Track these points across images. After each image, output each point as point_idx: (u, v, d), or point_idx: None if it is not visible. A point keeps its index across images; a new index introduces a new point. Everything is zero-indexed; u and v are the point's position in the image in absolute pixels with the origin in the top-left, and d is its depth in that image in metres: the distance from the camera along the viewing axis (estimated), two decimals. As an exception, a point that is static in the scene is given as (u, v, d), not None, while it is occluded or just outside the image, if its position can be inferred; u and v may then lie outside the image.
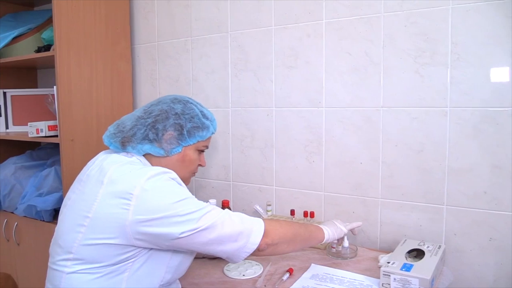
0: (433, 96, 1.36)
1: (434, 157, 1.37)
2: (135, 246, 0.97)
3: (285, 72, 1.63)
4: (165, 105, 1.14)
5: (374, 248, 1.49)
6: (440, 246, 1.30)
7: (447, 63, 1.33)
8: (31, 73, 2.45)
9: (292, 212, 1.57)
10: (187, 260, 1.10)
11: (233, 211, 1.67)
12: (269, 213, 1.64)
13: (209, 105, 1.83)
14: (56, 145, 1.98)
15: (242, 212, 1.73)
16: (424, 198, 1.41)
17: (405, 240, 1.36)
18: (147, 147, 1.10)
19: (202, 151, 1.21)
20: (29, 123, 1.83)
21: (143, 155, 1.12)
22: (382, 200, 1.48)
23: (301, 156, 1.63)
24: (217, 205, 1.64)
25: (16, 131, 2.19)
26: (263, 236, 1.04)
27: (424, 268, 1.14)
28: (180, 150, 1.13)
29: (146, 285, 1.02)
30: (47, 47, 1.87)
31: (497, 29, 1.25)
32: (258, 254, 1.05)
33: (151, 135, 1.10)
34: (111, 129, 1.15)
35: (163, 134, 1.10)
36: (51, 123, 1.81)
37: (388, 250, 1.41)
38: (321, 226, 1.26)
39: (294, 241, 1.14)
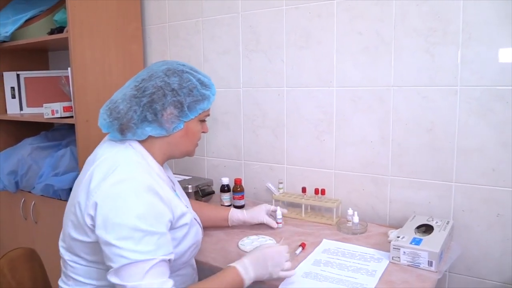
0: (444, 75, 1.38)
1: (443, 135, 1.40)
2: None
3: (296, 52, 1.65)
4: (158, 79, 1.03)
5: (384, 224, 1.53)
6: (448, 222, 1.34)
7: (458, 42, 1.34)
8: (43, 55, 2.48)
9: (304, 190, 1.61)
10: (186, 244, 1.07)
11: (245, 189, 1.74)
12: (281, 190, 1.68)
13: (220, 86, 1.86)
14: (70, 126, 2.03)
15: (254, 191, 1.80)
16: (433, 175, 1.44)
17: (414, 216, 1.40)
18: (148, 130, 1.03)
19: (204, 120, 1.14)
20: (44, 105, 1.87)
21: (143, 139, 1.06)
22: (391, 177, 1.51)
23: (312, 135, 1.66)
24: (229, 184, 1.70)
25: (30, 112, 2.24)
26: None
27: (433, 242, 1.18)
28: (182, 126, 1.06)
29: None
30: (60, 29, 1.89)
31: (508, 8, 1.26)
32: None
33: (149, 116, 1.02)
34: (104, 116, 1.05)
35: (162, 114, 1.02)
36: (66, 104, 1.84)
37: (397, 226, 1.45)
38: (242, 269, 1.02)
39: None
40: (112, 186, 0.92)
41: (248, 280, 1.02)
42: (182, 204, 1.07)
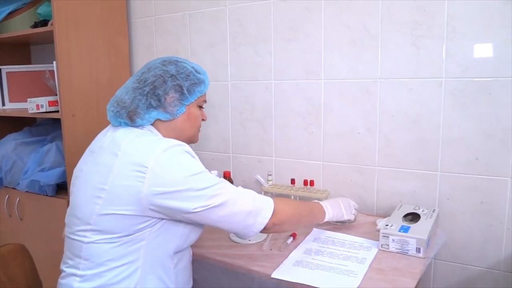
0: (429, 67, 1.41)
1: (429, 126, 1.44)
2: (151, 217, 1.01)
3: (284, 45, 1.66)
4: (157, 69, 1.14)
5: (371, 213, 1.56)
6: (434, 210, 1.38)
7: (443, 36, 1.37)
8: (25, 49, 2.43)
9: (293, 181, 1.63)
10: (199, 228, 1.15)
11: (234, 182, 1.75)
12: (270, 182, 1.70)
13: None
14: (55, 121, 2.00)
15: (242, 183, 1.82)
16: (419, 165, 1.47)
17: (401, 205, 1.43)
18: (154, 114, 1.11)
19: (202, 106, 1.23)
20: (28, 99, 1.84)
21: (153, 125, 1.13)
22: (378, 168, 1.55)
23: (300, 127, 1.68)
24: (218, 176, 1.71)
25: (13, 107, 2.19)
26: (271, 216, 1.07)
27: (421, 229, 1.22)
28: (184, 110, 1.15)
29: (162, 253, 1.06)
30: (44, 23, 1.86)
31: (492, 2, 1.30)
32: (263, 231, 1.09)
33: (153, 102, 1.10)
34: (111, 108, 1.13)
35: (165, 98, 1.11)
36: (51, 98, 1.82)
37: (385, 215, 1.49)
38: (324, 206, 1.29)
39: (298, 223, 1.21)
40: (163, 153, 1.00)
41: (328, 214, 1.28)
42: None
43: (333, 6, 1.54)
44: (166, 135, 1.13)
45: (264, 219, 1.06)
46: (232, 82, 1.81)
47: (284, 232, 1.23)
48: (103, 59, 1.91)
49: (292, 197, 1.60)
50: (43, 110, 1.81)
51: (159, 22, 1.97)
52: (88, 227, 1.02)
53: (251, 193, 1.09)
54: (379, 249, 1.23)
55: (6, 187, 2.01)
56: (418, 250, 1.17)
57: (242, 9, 1.73)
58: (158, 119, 1.13)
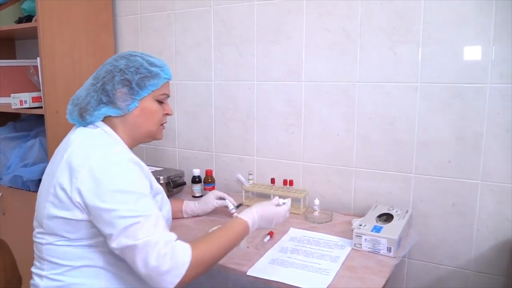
0: (405, 72, 1.45)
1: (404, 129, 1.48)
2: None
3: (267, 46, 1.69)
4: (108, 65, 1.11)
5: (348, 213, 1.60)
6: (407, 211, 1.42)
7: (419, 41, 1.41)
8: (9, 44, 2.43)
9: (273, 181, 1.67)
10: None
11: (216, 180, 1.78)
12: (251, 181, 1.73)
13: (192, 78, 1.88)
14: (39, 117, 2.00)
15: (224, 182, 1.84)
16: (394, 167, 1.52)
17: (376, 205, 1.47)
18: (103, 111, 1.08)
19: (162, 101, 1.15)
20: (12, 95, 1.84)
21: (106, 123, 1.10)
22: (356, 169, 1.59)
23: (281, 128, 1.71)
24: (200, 175, 1.74)
25: (-4, 102, 2.19)
26: (183, 276, 0.93)
27: (392, 230, 1.26)
28: (137, 105, 1.10)
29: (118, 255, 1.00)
30: (28, 18, 1.87)
31: (466, 10, 1.34)
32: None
33: (104, 98, 1.08)
34: (69, 106, 1.13)
35: (114, 94, 1.08)
36: (35, 94, 1.83)
37: (361, 215, 1.52)
38: (250, 220, 1.11)
39: (218, 259, 1.04)
40: (98, 161, 0.97)
41: (251, 231, 1.12)
42: (158, 184, 1.13)
43: (315, 10, 1.57)
44: (123, 132, 1.12)
45: (175, 278, 0.92)
46: (216, 82, 1.84)
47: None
48: (88, 56, 1.92)
49: (272, 196, 1.63)
50: (27, 106, 1.82)
51: (144, 21, 1.99)
52: (42, 230, 1.04)
53: (168, 246, 0.93)
54: (352, 248, 1.27)
55: (-11, 182, 2.02)
56: (389, 249, 1.21)
57: (226, 10, 1.76)
58: (111, 116, 1.10)
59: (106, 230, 0.94)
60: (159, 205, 1.10)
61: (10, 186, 1.91)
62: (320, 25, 1.57)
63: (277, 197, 1.23)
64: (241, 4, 1.72)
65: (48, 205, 1.01)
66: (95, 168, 0.96)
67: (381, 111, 1.51)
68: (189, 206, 1.52)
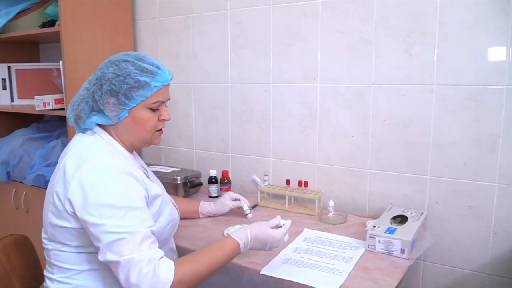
0: (421, 74, 1.45)
1: (419, 131, 1.48)
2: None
3: (282, 49, 1.71)
4: (99, 71, 1.08)
5: (363, 215, 1.61)
6: (422, 213, 1.42)
7: (435, 43, 1.41)
8: (34, 47, 2.51)
9: (288, 182, 1.68)
10: (162, 221, 1.12)
11: (232, 181, 1.80)
12: (266, 182, 1.74)
13: (209, 81, 1.92)
14: (61, 118, 2.07)
15: (240, 183, 1.87)
16: (409, 169, 1.51)
17: (391, 207, 1.48)
18: (95, 119, 1.07)
19: (156, 108, 1.11)
20: (35, 97, 1.90)
21: (104, 127, 1.10)
22: (371, 171, 1.59)
23: (296, 129, 1.73)
24: (217, 176, 1.77)
25: (21, 104, 2.27)
26: None
27: (406, 231, 1.26)
28: (126, 114, 1.07)
29: None
30: (51, 23, 1.93)
31: (482, 11, 1.33)
32: None
33: (95, 106, 1.07)
34: (68, 111, 1.13)
35: (102, 104, 1.06)
36: (57, 96, 1.89)
37: (376, 217, 1.52)
38: (240, 242, 1.08)
39: (203, 279, 1.02)
40: (88, 172, 0.98)
41: (242, 252, 1.08)
42: (156, 186, 1.13)
43: (329, 13, 1.59)
44: (117, 137, 1.11)
45: None
46: (232, 84, 1.86)
47: None
48: (108, 59, 1.97)
49: (287, 197, 1.65)
50: (50, 107, 1.88)
51: (162, 24, 2.03)
52: (47, 236, 1.07)
53: (149, 266, 0.93)
54: (365, 249, 1.27)
55: (14, 181, 2.09)
56: (402, 251, 1.21)
57: (242, 13, 1.78)
58: (101, 124, 1.09)
59: (95, 243, 0.96)
60: (157, 210, 1.10)
61: (33, 185, 1.98)
62: (335, 27, 1.58)
63: (278, 216, 1.17)
64: (257, 8, 1.74)
65: (49, 214, 1.04)
66: (84, 180, 0.96)
67: (396, 113, 1.51)
68: (205, 207, 1.54)
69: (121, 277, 0.93)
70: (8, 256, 1.16)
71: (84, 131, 1.11)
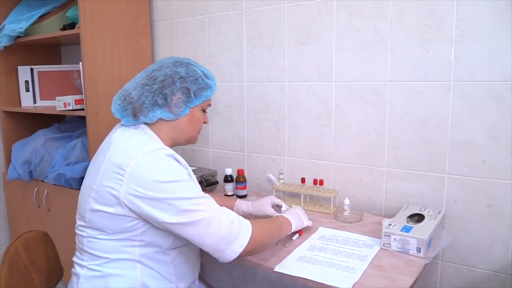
0: (438, 70, 1.43)
1: (437, 129, 1.45)
2: (134, 217, 1.05)
3: (297, 48, 1.71)
4: (168, 69, 1.16)
5: (379, 214, 1.59)
6: (440, 212, 1.39)
7: (452, 39, 1.39)
8: (55, 50, 2.57)
9: (303, 180, 1.68)
10: None
11: (248, 179, 1.81)
12: (281, 181, 1.75)
13: (225, 80, 1.93)
14: (82, 118, 2.11)
15: (256, 181, 1.87)
16: (427, 167, 1.49)
17: (408, 206, 1.46)
18: (158, 113, 1.14)
19: (205, 110, 1.26)
20: (57, 98, 1.95)
21: (153, 124, 1.17)
22: (387, 169, 1.57)
23: (312, 128, 1.72)
24: (233, 174, 1.78)
25: (43, 105, 2.33)
26: (247, 244, 1.06)
27: (423, 230, 1.24)
28: (187, 112, 1.18)
29: (155, 250, 1.11)
30: (72, 25, 1.97)
31: (501, 6, 1.30)
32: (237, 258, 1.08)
33: (159, 101, 1.13)
34: (117, 101, 1.17)
35: (171, 99, 1.14)
36: (77, 97, 1.93)
37: (392, 216, 1.50)
38: (288, 218, 1.29)
39: (269, 245, 1.18)
40: (142, 157, 1.03)
41: (293, 225, 1.29)
42: (194, 178, 1.18)
43: (344, 10, 1.58)
44: (167, 134, 1.19)
45: (238, 247, 1.05)
46: (248, 83, 1.87)
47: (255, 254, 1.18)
48: (127, 60, 2.01)
49: (302, 196, 1.65)
50: (70, 108, 1.92)
51: (180, 25, 2.05)
52: (84, 223, 1.11)
53: (230, 217, 1.07)
54: (381, 248, 1.26)
55: (36, 179, 2.15)
56: (418, 249, 1.20)
57: (258, 12, 1.79)
58: (161, 118, 1.16)
59: (159, 217, 1.01)
60: None
61: (54, 184, 2.03)
62: (350, 25, 1.57)
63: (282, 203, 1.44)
64: (272, 7, 1.75)
65: (90, 200, 1.08)
66: (141, 164, 1.02)
67: (413, 110, 1.49)
68: (242, 207, 1.47)
69: (206, 235, 1.02)
70: (29, 252, 1.19)
71: (127, 125, 1.17)
